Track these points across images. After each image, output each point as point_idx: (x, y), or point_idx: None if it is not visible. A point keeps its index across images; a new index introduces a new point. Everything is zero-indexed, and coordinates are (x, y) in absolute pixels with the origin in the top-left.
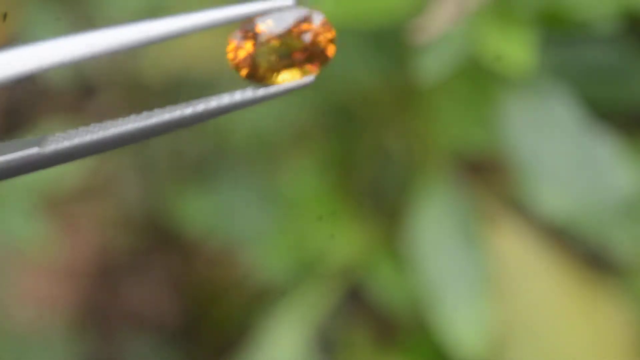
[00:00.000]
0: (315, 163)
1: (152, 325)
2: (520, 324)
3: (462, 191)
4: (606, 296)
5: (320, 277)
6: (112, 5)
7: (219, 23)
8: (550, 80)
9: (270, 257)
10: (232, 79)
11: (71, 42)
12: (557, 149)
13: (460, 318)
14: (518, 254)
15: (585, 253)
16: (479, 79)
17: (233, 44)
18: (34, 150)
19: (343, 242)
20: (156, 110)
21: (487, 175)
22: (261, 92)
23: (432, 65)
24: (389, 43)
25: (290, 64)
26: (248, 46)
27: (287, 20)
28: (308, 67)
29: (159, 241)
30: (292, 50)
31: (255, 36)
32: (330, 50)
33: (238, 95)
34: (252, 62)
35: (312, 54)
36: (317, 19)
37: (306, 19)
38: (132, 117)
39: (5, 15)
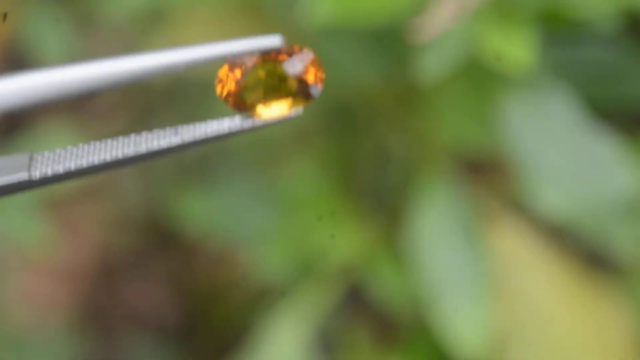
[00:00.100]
0: (316, 163)
1: (152, 325)
2: (521, 323)
3: (462, 191)
4: (606, 296)
5: (320, 277)
6: (112, 5)
7: (207, 60)
8: (551, 80)
9: (270, 257)
10: None
11: (61, 76)
12: (558, 149)
13: (460, 318)
14: (518, 254)
15: (585, 253)
16: (479, 78)
17: (221, 76)
18: (22, 176)
19: (343, 242)
20: (143, 136)
21: (487, 175)
22: (248, 122)
23: (433, 64)
24: (389, 43)
25: (277, 97)
26: (235, 77)
27: (272, 53)
28: (296, 100)
29: (159, 241)
30: (279, 83)
31: (242, 69)
32: (318, 86)
33: (226, 124)
34: (240, 94)
35: (300, 89)
36: (307, 56)
37: (294, 54)
38: (119, 141)
39: (5, 15)
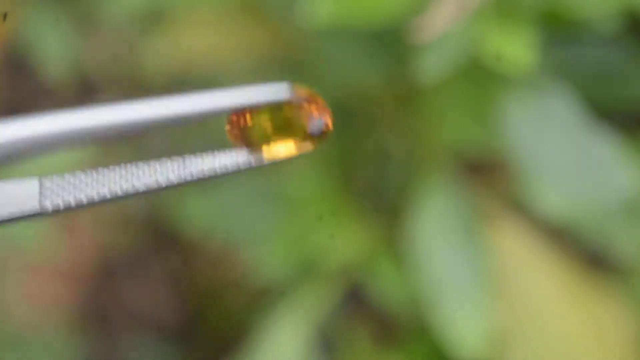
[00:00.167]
0: (316, 163)
1: (152, 325)
2: (521, 323)
3: (462, 191)
4: (606, 296)
5: (320, 277)
6: (112, 5)
7: (216, 111)
8: (551, 80)
9: (270, 257)
10: (231, 78)
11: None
12: (558, 149)
13: (460, 318)
14: (518, 254)
15: (585, 253)
16: (479, 78)
17: (231, 118)
18: (34, 206)
19: (343, 242)
20: (152, 166)
21: (487, 175)
22: (258, 159)
23: (433, 65)
24: (389, 43)
25: (286, 139)
26: (243, 120)
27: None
28: (303, 142)
29: (159, 241)
30: (287, 126)
31: (250, 112)
32: (327, 131)
33: (234, 160)
34: (248, 135)
35: (309, 132)
36: (315, 101)
37: (302, 100)
38: (128, 170)
39: (5, 15)
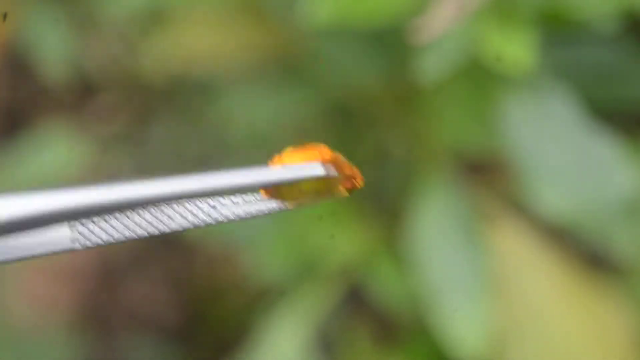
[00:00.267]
0: None
1: (152, 325)
2: (521, 323)
3: (462, 191)
4: (606, 296)
5: (320, 277)
6: (112, 5)
7: (251, 187)
8: (551, 80)
9: (270, 257)
10: (231, 79)
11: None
12: (558, 149)
13: (460, 318)
14: (518, 254)
15: (585, 253)
16: (479, 79)
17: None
18: (65, 246)
19: (343, 242)
20: (181, 209)
21: (487, 175)
22: (286, 206)
23: (433, 65)
24: (390, 43)
25: (315, 195)
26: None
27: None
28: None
29: (159, 241)
30: (317, 186)
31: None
32: (357, 186)
33: (266, 205)
34: (280, 194)
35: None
36: (343, 166)
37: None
38: (156, 214)
39: (5, 15)
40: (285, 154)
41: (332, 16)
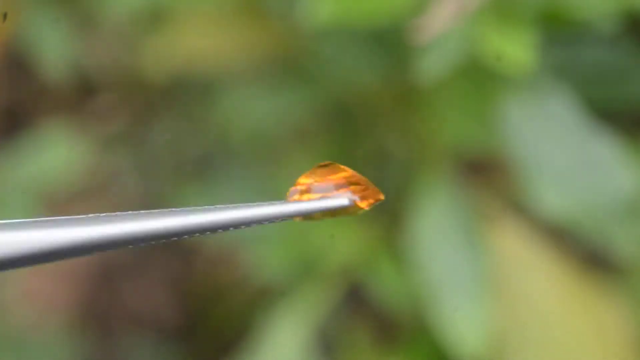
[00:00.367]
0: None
1: (152, 325)
2: (521, 323)
3: (462, 191)
4: (606, 296)
5: (321, 276)
6: (112, 5)
7: (281, 217)
8: (551, 80)
9: (270, 257)
10: (231, 79)
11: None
12: (558, 149)
13: (460, 318)
14: (518, 254)
15: (585, 253)
16: (479, 78)
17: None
18: None
19: (343, 242)
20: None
21: (487, 175)
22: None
23: (433, 64)
24: (389, 43)
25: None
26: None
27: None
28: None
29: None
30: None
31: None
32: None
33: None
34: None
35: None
36: (364, 186)
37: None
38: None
39: (5, 15)
40: (309, 177)
41: (332, 16)
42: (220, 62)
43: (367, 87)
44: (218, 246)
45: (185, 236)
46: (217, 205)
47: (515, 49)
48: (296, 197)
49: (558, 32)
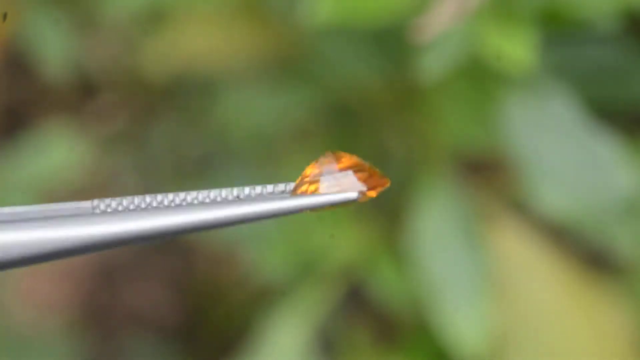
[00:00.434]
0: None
1: (152, 325)
2: (521, 323)
3: (463, 191)
4: (606, 296)
5: (321, 276)
6: (112, 5)
7: (287, 212)
8: (551, 80)
9: (270, 257)
10: (232, 79)
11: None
12: (558, 149)
13: (461, 318)
14: (519, 254)
15: (585, 253)
16: (479, 78)
17: None
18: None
19: (343, 242)
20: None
21: (487, 175)
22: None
23: (433, 64)
24: (389, 42)
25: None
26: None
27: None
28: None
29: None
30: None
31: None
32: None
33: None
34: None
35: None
36: (371, 173)
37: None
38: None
39: (5, 15)
40: (317, 167)
41: (333, 16)
42: (220, 62)
43: (367, 86)
44: (218, 245)
45: (185, 234)
46: (221, 188)
47: (515, 48)
48: (303, 188)
49: (558, 31)
